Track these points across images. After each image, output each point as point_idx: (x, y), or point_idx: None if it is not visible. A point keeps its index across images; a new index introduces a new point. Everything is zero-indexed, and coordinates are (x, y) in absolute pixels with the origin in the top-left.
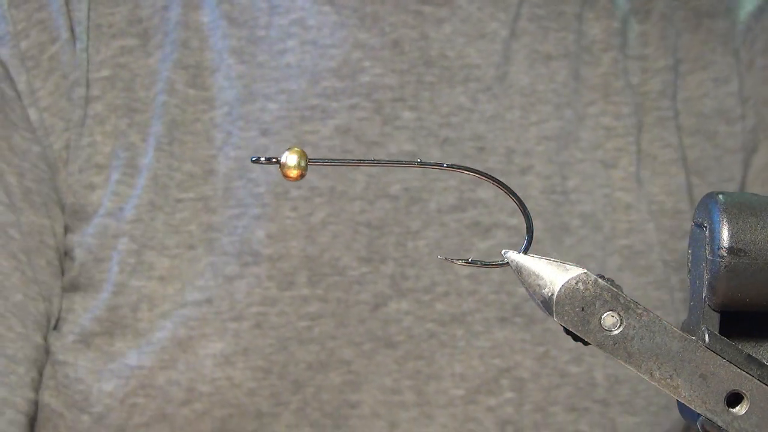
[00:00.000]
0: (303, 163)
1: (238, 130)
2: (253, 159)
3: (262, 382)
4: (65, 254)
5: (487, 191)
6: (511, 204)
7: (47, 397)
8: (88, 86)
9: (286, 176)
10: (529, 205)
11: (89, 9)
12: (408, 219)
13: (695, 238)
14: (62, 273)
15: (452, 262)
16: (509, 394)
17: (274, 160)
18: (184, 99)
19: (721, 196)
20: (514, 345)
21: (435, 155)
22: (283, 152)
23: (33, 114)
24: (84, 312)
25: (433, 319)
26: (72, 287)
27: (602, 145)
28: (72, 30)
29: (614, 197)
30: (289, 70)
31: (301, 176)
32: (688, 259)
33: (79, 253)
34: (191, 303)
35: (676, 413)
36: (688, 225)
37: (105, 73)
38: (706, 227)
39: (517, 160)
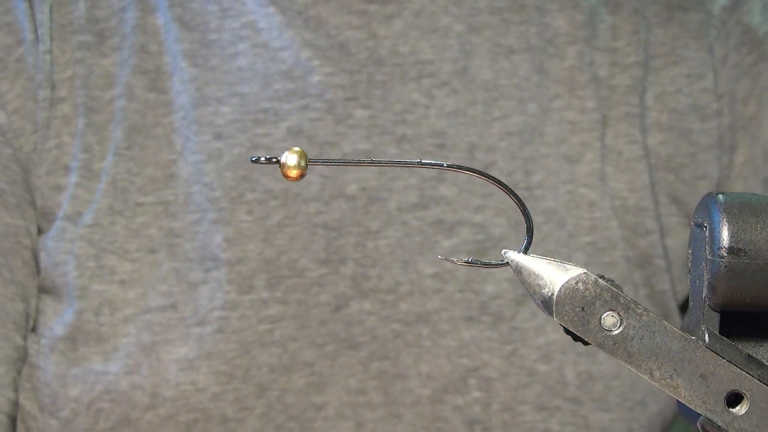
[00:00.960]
0: (303, 163)
1: (193, 134)
2: (253, 159)
3: (226, 386)
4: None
5: (451, 188)
6: (475, 201)
7: (23, 399)
8: (53, 88)
9: (286, 176)
10: (493, 203)
11: (51, 11)
12: (367, 219)
13: (695, 238)
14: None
15: (452, 262)
16: (477, 394)
17: (274, 160)
18: (143, 103)
19: (720, 196)
20: (481, 344)
21: (392, 153)
22: (284, 152)
23: (1, 117)
24: (54, 315)
25: (397, 319)
26: (42, 290)
27: (567, 139)
28: (36, 32)
29: (578, 193)
30: (240, 73)
31: (302, 176)
32: (689, 258)
33: (42, 257)
34: (155, 308)
35: (651, 408)
36: (651, 222)
37: (68, 73)
38: (706, 227)
39: (480, 156)
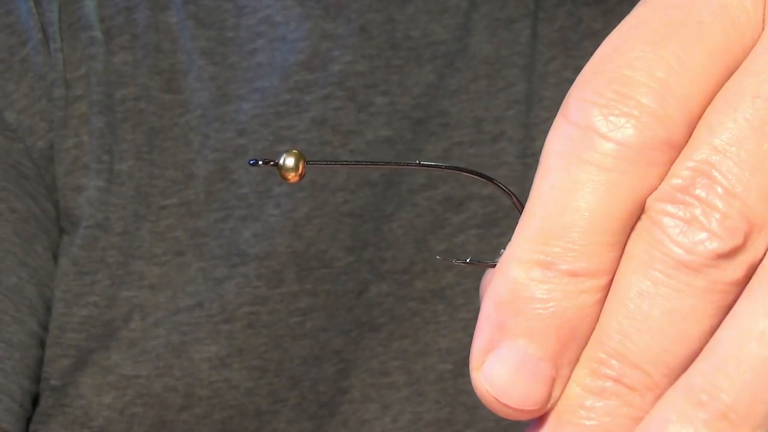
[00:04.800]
0: (301, 165)
1: (215, 132)
2: (251, 162)
3: (259, 381)
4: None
5: (457, 164)
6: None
7: (34, 425)
8: (67, 86)
9: (284, 179)
10: (504, 172)
11: (60, 10)
12: (383, 203)
13: None
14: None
15: (450, 262)
16: None
17: (271, 163)
18: (160, 105)
19: None
20: None
21: (408, 137)
22: (281, 155)
23: (10, 116)
24: (74, 332)
25: (413, 297)
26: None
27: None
28: (44, 31)
29: None
30: (260, 69)
31: (300, 178)
32: None
33: (64, 263)
34: (183, 309)
35: None
36: None
37: (82, 70)
38: None
39: (488, 128)
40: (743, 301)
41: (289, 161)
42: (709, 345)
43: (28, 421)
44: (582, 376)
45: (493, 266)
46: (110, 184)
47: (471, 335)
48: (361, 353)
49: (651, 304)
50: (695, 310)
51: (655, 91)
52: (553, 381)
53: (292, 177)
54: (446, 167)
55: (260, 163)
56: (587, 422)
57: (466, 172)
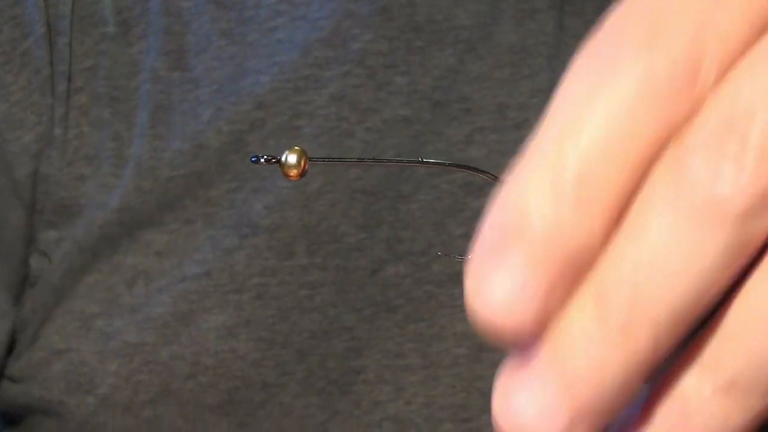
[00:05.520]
0: (303, 162)
1: (231, 104)
2: (253, 159)
3: (267, 352)
4: (41, 253)
5: (479, 150)
6: (504, 161)
7: (37, 391)
8: (70, 79)
9: (286, 175)
10: None
11: (74, 2)
12: (400, 183)
13: None
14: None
15: (452, 258)
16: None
17: (273, 160)
18: (167, 83)
19: None
20: None
21: (427, 118)
22: (283, 152)
23: (1, 107)
24: (85, 292)
25: (430, 280)
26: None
27: None
28: (49, 25)
29: None
30: (280, 45)
31: (302, 175)
32: None
33: (65, 246)
34: (190, 277)
35: None
36: None
37: (88, 63)
38: None
39: (512, 115)
40: None
41: (292, 158)
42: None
43: (35, 386)
44: (581, 314)
45: None
46: (114, 167)
47: None
48: (376, 333)
49: (669, 247)
50: (718, 257)
51: (692, 27)
52: (550, 312)
53: (294, 174)
54: (449, 165)
55: (262, 160)
56: (586, 362)
57: (470, 170)
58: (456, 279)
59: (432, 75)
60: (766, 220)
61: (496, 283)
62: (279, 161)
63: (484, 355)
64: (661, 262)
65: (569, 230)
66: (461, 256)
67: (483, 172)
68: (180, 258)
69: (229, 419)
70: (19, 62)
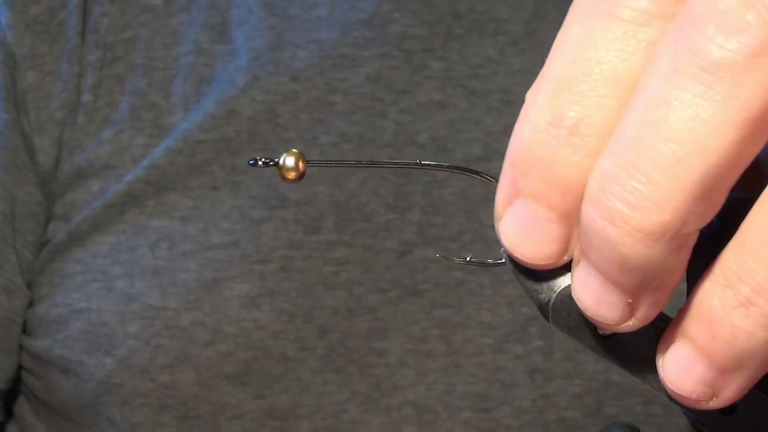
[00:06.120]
0: (301, 165)
1: (267, 74)
2: (251, 162)
3: (288, 325)
4: (60, 217)
5: None
6: None
7: (58, 349)
8: (105, 49)
9: (284, 178)
10: None
11: None
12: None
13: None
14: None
15: (451, 260)
16: (538, 342)
17: (271, 162)
18: (211, 56)
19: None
20: None
21: (462, 106)
22: (281, 154)
23: (32, 77)
24: (107, 252)
25: (459, 267)
26: (93, 229)
27: None
28: None
29: None
30: (320, 22)
31: (300, 178)
32: None
33: (91, 204)
34: (218, 245)
35: None
36: None
37: (129, 34)
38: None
39: None
40: None
41: (289, 161)
42: None
43: (57, 345)
44: (592, 187)
45: (492, 265)
46: (153, 138)
47: (515, 312)
48: (401, 316)
49: (669, 109)
50: (717, 119)
51: None
52: (567, 238)
53: (292, 176)
54: (447, 167)
55: (260, 162)
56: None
57: (470, 172)
58: (486, 268)
59: (469, 63)
60: (757, 77)
61: (512, 218)
62: (277, 164)
63: (509, 346)
64: (659, 125)
65: (568, 168)
66: (461, 258)
67: (483, 175)
68: (205, 224)
69: (246, 389)
70: (55, 32)
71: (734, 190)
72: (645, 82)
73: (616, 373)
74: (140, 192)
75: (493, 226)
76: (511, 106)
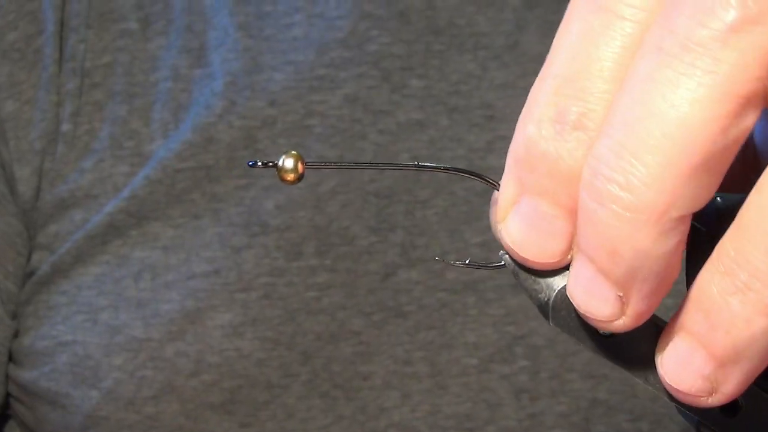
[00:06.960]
0: (300, 167)
1: (244, 99)
2: (250, 163)
3: (271, 353)
4: (43, 247)
5: (499, 159)
6: None
7: (44, 382)
8: (84, 75)
9: (283, 180)
10: None
11: (90, 0)
12: (417, 188)
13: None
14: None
15: (449, 264)
16: (524, 362)
17: (270, 164)
18: (188, 80)
19: (719, 199)
20: (527, 312)
21: (443, 123)
22: (280, 156)
23: (10, 105)
24: (92, 284)
25: (444, 288)
26: (76, 261)
27: None
28: (61, 22)
29: None
30: (296, 42)
31: (299, 179)
32: (683, 258)
33: (72, 234)
34: (199, 274)
35: None
36: None
37: (106, 59)
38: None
39: None
40: None
41: (288, 162)
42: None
43: (43, 378)
44: (585, 172)
45: (491, 268)
46: (134, 166)
47: (500, 332)
48: (386, 339)
49: (653, 87)
50: (699, 93)
51: None
52: (571, 235)
53: (291, 178)
54: (445, 168)
55: (259, 164)
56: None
57: (468, 174)
58: (471, 287)
59: (449, 80)
60: (736, 52)
61: (517, 217)
62: (276, 165)
63: (494, 366)
64: (645, 103)
65: (573, 163)
66: (460, 261)
67: (483, 177)
68: (187, 253)
69: (231, 418)
70: (32, 59)
71: (735, 191)
72: (633, 66)
73: (604, 391)
74: (122, 223)
75: (477, 245)
76: (494, 121)
